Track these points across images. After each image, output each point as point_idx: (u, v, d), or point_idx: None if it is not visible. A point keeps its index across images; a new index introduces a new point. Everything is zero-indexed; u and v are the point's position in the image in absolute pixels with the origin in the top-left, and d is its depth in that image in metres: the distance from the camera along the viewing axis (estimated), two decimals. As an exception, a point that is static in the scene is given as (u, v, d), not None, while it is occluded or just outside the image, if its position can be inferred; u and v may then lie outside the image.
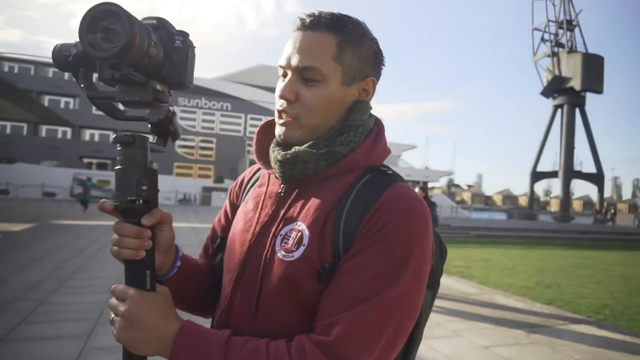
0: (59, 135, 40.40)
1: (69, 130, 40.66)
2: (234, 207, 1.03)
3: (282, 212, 0.86)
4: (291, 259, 0.79)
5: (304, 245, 0.79)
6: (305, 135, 0.85)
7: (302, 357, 0.71)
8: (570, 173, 41.06)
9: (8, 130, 37.24)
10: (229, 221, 1.02)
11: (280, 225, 0.84)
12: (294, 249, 0.80)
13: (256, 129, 0.98)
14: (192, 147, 43.39)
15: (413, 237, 0.76)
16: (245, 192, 1.02)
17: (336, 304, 0.74)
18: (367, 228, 0.76)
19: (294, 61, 0.84)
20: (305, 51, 0.83)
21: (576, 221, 37.45)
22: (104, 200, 0.77)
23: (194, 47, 0.79)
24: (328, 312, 0.74)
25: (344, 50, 0.84)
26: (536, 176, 44.17)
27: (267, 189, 0.92)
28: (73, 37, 0.72)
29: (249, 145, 42.65)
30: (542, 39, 43.22)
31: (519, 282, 8.16)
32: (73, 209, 19.68)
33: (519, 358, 4.15)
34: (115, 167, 0.76)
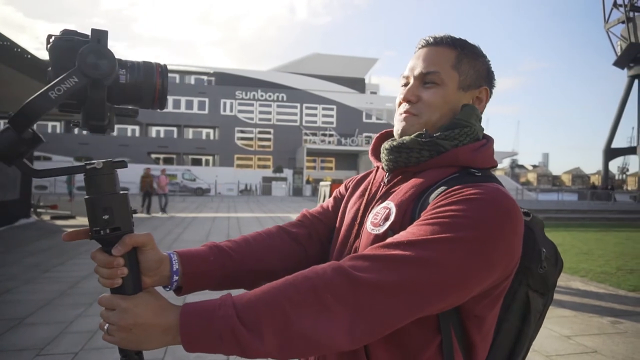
0: (129, 133, 42.91)
1: (137, 128, 43.10)
2: (344, 196, 1.15)
3: (380, 194, 0.97)
4: (377, 232, 0.88)
5: (389, 221, 0.88)
6: (420, 130, 0.94)
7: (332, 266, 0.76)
8: (650, 149, 37.89)
9: (84, 132, 40.07)
10: (338, 200, 1.15)
11: (375, 204, 0.96)
12: (381, 224, 0.89)
13: (374, 136, 1.15)
14: (250, 139, 44.49)
15: (479, 218, 0.76)
16: (354, 186, 1.14)
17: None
18: (433, 205, 0.82)
19: (418, 70, 0.96)
20: (429, 60, 0.95)
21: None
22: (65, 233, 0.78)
23: None
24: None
25: (462, 61, 0.96)
26: (611, 153, 41.23)
27: (373, 179, 1.05)
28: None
29: (306, 134, 43.10)
30: (615, 5, 39.90)
31: (597, 267, 7.71)
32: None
33: (605, 349, 3.95)
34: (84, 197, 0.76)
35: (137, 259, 0.80)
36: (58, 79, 0.69)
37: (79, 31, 0.75)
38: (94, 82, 0.70)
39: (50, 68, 0.72)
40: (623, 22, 39.08)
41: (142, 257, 0.81)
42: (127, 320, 0.73)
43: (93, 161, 0.76)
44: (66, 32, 0.73)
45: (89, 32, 0.73)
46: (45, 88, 0.68)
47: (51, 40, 0.72)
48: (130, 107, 0.80)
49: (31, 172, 0.75)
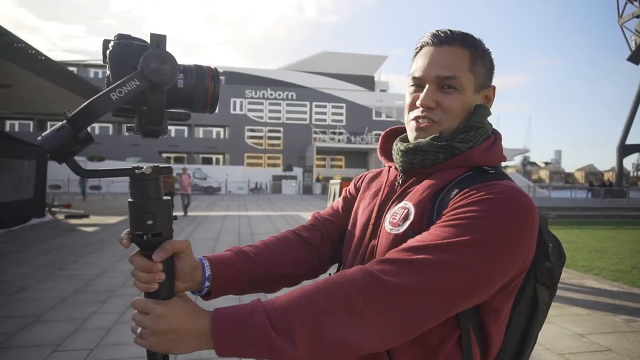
0: (140, 132, 43.17)
1: (148, 127, 43.35)
2: (354, 196, 1.15)
3: (395, 195, 0.97)
4: (396, 232, 0.89)
5: (409, 220, 0.88)
6: (435, 133, 0.93)
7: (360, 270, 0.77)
8: (665, 145, 37.25)
9: (97, 131, 40.51)
10: (348, 201, 1.16)
11: (392, 204, 0.96)
12: (400, 224, 0.89)
13: (381, 134, 1.12)
14: (260, 138, 44.66)
15: (498, 218, 0.77)
16: (365, 185, 1.13)
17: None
18: (451, 205, 0.83)
19: (434, 72, 0.92)
20: (446, 63, 0.92)
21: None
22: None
23: None
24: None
25: (475, 62, 0.94)
26: (625, 150, 40.62)
27: (387, 179, 1.04)
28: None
29: (315, 132, 43.10)
30: (629, -1, 39.22)
31: (610, 265, 7.61)
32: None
33: (620, 348, 3.90)
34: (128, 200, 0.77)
35: (174, 264, 0.81)
36: (120, 81, 0.69)
37: (133, 36, 0.76)
38: (154, 86, 0.70)
39: (108, 72, 0.73)
40: (638, 17, 38.43)
41: (178, 263, 0.82)
42: (162, 325, 0.74)
43: (141, 165, 0.77)
44: (122, 37, 0.75)
45: (99, 33, 0.75)
46: (107, 89, 0.69)
47: (110, 45, 0.74)
48: (182, 111, 0.81)
49: (81, 171, 0.77)
